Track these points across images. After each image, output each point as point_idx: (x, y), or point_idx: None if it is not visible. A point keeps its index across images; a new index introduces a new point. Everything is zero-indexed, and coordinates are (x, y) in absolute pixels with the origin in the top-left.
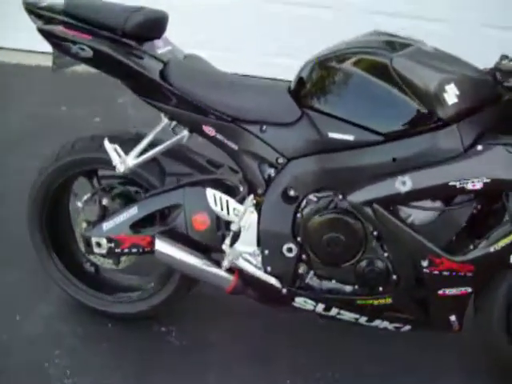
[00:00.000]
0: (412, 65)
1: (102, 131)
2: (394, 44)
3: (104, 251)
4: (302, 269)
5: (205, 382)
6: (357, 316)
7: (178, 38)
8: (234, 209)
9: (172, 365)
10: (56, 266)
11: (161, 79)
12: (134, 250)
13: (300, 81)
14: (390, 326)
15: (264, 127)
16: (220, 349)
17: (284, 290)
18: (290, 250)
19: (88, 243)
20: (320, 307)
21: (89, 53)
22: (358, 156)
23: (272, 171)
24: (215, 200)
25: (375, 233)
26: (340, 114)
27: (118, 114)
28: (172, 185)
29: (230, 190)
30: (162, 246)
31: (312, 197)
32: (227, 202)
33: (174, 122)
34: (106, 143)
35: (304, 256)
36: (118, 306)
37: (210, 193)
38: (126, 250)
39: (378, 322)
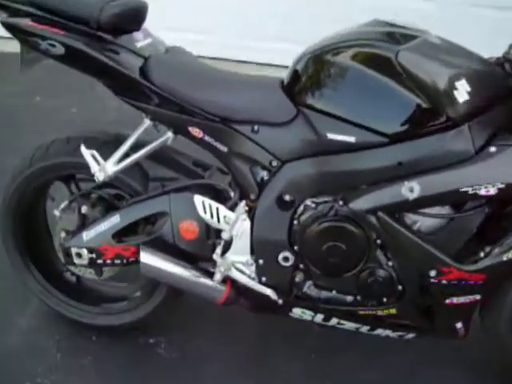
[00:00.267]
0: (419, 59)
1: (78, 131)
2: (397, 35)
3: (85, 262)
4: (299, 279)
5: None
6: (358, 326)
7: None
8: (225, 216)
9: (162, 380)
10: (34, 277)
11: (141, 77)
12: (118, 261)
13: (294, 75)
14: (393, 334)
15: (256, 127)
16: (212, 361)
17: (280, 301)
18: (286, 259)
19: (68, 254)
20: (319, 317)
21: (60, 49)
22: (360, 159)
23: (265, 175)
24: (204, 207)
25: (379, 241)
26: (340, 112)
27: (95, 103)
28: (156, 191)
29: (220, 196)
30: (147, 258)
31: (309, 202)
32: (217, 209)
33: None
34: (83, 149)
35: (301, 265)
36: (102, 317)
37: (199, 199)
38: (109, 261)
39: (380, 331)
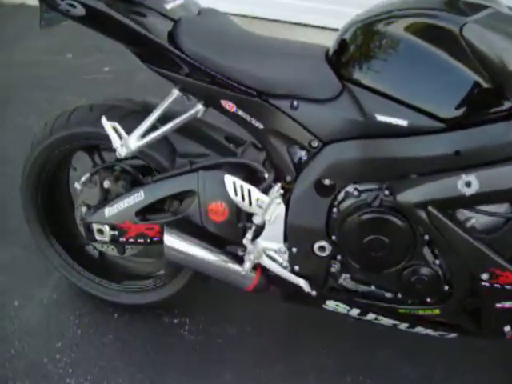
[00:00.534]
0: (488, 34)
1: (103, 99)
2: (464, 5)
3: (107, 239)
4: (335, 270)
5: (221, 382)
6: (396, 322)
7: None
8: (258, 199)
9: (185, 362)
10: (55, 250)
11: (169, 43)
12: (141, 240)
13: (341, 46)
14: (434, 333)
15: (295, 103)
16: (239, 347)
17: (313, 292)
18: (322, 248)
19: (89, 229)
20: (354, 312)
21: (80, 10)
22: (411, 146)
23: (304, 156)
24: (235, 189)
25: (426, 237)
26: (391, 91)
27: (128, 62)
28: (184, 168)
29: (253, 176)
30: (172, 241)
31: (351, 189)
32: (249, 191)
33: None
34: (104, 121)
35: (339, 257)
36: (126, 295)
37: (229, 180)
38: (132, 240)
39: (420, 329)
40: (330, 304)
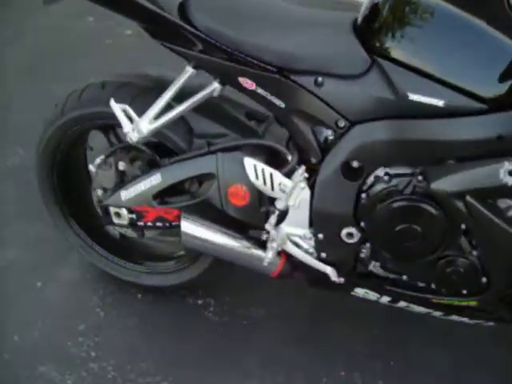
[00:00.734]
0: None
1: (117, 74)
2: None
3: (125, 222)
4: (364, 258)
5: (246, 366)
6: (430, 311)
7: None
8: (280, 183)
9: (209, 345)
10: (74, 232)
11: (180, 17)
12: (159, 224)
13: (371, 15)
14: (470, 322)
15: (320, 80)
16: (265, 330)
17: (341, 280)
18: (350, 235)
19: (106, 212)
20: (385, 299)
21: None
22: (448, 128)
23: (330, 136)
24: (256, 172)
25: (463, 226)
26: (427, 68)
27: None
28: (201, 149)
29: (275, 158)
30: (189, 227)
31: (381, 173)
32: (271, 174)
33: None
34: (113, 104)
35: (368, 244)
36: (147, 276)
37: (250, 163)
38: (150, 224)
39: (455, 317)
40: (359, 291)
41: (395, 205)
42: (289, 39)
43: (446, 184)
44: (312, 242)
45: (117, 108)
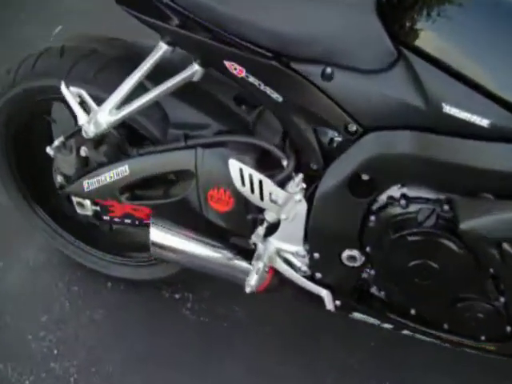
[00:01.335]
0: None
1: (81, 36)
2: None
3: (89, 213)
4: (367, 285)
5: (228, 375)
6: (437, 342)
7: None
8: (271, 193)
9: (184, 346)
10: (40, 217)
11: None
12: (128, 221)
13: None
14: (481, 354)
15: (329, 71)
16: (246, 331)
17: (338, 302)
18: (352, 258)
19: (69, 200)
20: (387, 326)
21: None
22: (490, 154)
23: (336, 141)
24: (242, 178)
25: (492, 270)
26: (474, 75)
27: None
28: (178, 142)
29: (266, 159)
30: (160, 236)
31: (397, 193)
32: (261, 182)
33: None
34: (64, 89)
35: (373, 272)
36: (116, 268)
37: (235, 166)
38: (117, 220)
39: (466, 350)
40: (357, 316)
41: (412, 238)
42: (291, 17)
43: (479, 225)
44: (306, 260)
45: (69, 95)
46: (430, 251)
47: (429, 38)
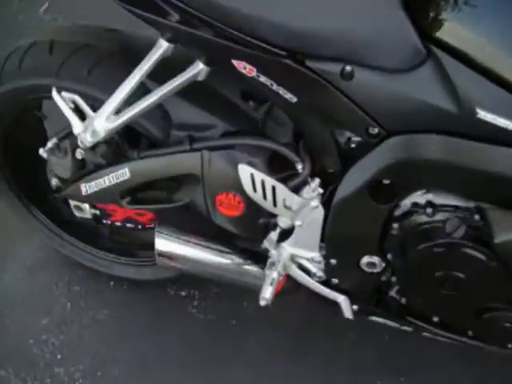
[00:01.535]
0: None
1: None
2: None
3: (88, 216)
4: (386, 291)
5: (233, 377)
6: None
7: None
8: (285, 199)
9: (189, 346)
10: (36, 218)
11: None
12: (130, 225)
13: None
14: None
15: (349, 69)
16: (257, 330)
17: (355, 307)
18: (371, 265)
19: (66, 203)
20: (407, 328)
21: None
22: None
23: (355, 145)
24: (253, 183)
25: None
26: None
27: None
28: (181, 145)
29: (278, 161)
30: (166, 245)
31: (421, 200)
32: (274, 188)
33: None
34: (55, 95)
35: (394, 279)
36: (119, 267)
37: (246, 172)
38: (119, 224)
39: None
40: (376, 319)
41: (440, 249)
42: (307, 11)
43: None
44: (321, 266)
45: (61, 102)
46: (458, 262)
47: (462, 33)
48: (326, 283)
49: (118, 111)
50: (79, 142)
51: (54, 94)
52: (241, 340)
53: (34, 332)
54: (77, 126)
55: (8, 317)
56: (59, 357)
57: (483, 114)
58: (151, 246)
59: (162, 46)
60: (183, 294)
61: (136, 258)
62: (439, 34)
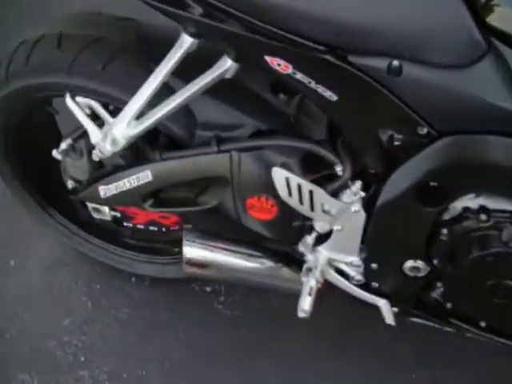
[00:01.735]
0: None
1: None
2: None
3: (108, 218)
4: (431, 297)
5: (261, 373)
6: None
7: None
8: (324, 204)
9: (216, 343)
10: (55, 219)
11: None
12: (153, 228)
13: None
14: None
15: (396, 64)
16: (288, 328)
17: (395, 309)
18: (415, 269)
19: (83, 205)
20: (450, 329)
21: None
22: None
23: (402, 145)
24: (289, 187)
25: None
26: None
27: None
28: (208, 146)
29: (315, 161)
30: (196, 253)
31: (474, 204)
32: (311, 193)
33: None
34: (70, 102)
35: (439, 284)
36: (140, 265)
37: (280, 175)
38: (141, 227)
39: None
40: (416, 320)
41: (494, 259)
42: (348, 2)
43: None
44: (360, 269)
45: (76, 108)
46: None
47: None
48: (365, 287)
49: (139, 116)
50: (97, 152)
51: (68, 100)
52: (268, 336)
53: (56, 333)
54: (94, 134)
55: (28, 318)
56: (83, 359)
57: None
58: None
59: (186, 42)
60: (208, 289)
61: (160, 255)
62: (501, 24)
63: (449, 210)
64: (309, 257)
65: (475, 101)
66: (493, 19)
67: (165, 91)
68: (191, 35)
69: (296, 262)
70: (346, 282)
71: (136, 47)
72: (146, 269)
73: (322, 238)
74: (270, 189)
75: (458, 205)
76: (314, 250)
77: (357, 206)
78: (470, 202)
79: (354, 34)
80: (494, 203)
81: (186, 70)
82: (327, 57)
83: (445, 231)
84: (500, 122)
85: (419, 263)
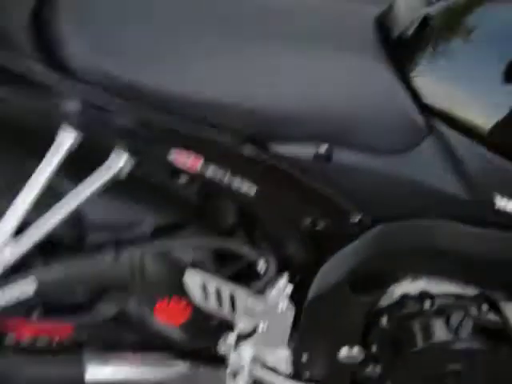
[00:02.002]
0: None
1: None
2: None
3: None
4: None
5: None
6: None
7: None
8: (247, 305)
9: None
10: None
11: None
12: (41, 344)
13: (416, 37)
14: None
15: (325, 150)
16: None
17: None
18: (351, 357)
19: None
20: None
21: None
22: None
23: (333, 235)
24: (205, 292)
25: None
26: None
27: None
28: (103, 249)
29: (234, 256)
30: (100, 373)
31: (414, 290)
32: (232, 296)
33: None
34: None
35: (378, 369)
36: None
37: (195, 280)
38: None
39: None
40: None
41: (444, 347)
42: (268, 85)
43: None
44: (289, 360)
45: None
46: (465, 359)
47: (475, 107)
48: (296, 377)
49: (18, 231)
50: None
51: None
52: None
53: None
54: None
55: None
56: None
57: (501, 203)
58: None
59: (69, 136)
60: None
61: None
62: (445, 104)
63: (386, 294)
64: (231, 356)
65: (413, 186)
66: (434, 98)
67: (48, 195)
68: (75, 127)
69: (217, 360)
70: (276, 376)
71: None
72: None
73: (246, 336)
74: (181, 289)
75: (397, 291)
76: (237, 349)
77: (284, 303)
78: (410, 286)
79: (276, 121)
80: (436, 287)
81: (70, 167)
82: (245, 147)
83: (385, 321)
84: (451, 210)
85: (355, 350)
